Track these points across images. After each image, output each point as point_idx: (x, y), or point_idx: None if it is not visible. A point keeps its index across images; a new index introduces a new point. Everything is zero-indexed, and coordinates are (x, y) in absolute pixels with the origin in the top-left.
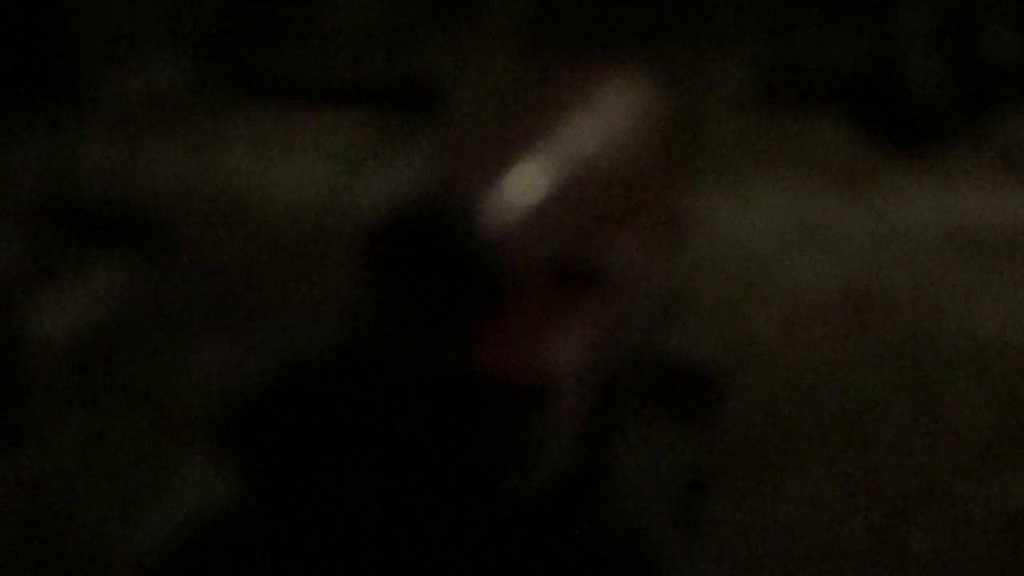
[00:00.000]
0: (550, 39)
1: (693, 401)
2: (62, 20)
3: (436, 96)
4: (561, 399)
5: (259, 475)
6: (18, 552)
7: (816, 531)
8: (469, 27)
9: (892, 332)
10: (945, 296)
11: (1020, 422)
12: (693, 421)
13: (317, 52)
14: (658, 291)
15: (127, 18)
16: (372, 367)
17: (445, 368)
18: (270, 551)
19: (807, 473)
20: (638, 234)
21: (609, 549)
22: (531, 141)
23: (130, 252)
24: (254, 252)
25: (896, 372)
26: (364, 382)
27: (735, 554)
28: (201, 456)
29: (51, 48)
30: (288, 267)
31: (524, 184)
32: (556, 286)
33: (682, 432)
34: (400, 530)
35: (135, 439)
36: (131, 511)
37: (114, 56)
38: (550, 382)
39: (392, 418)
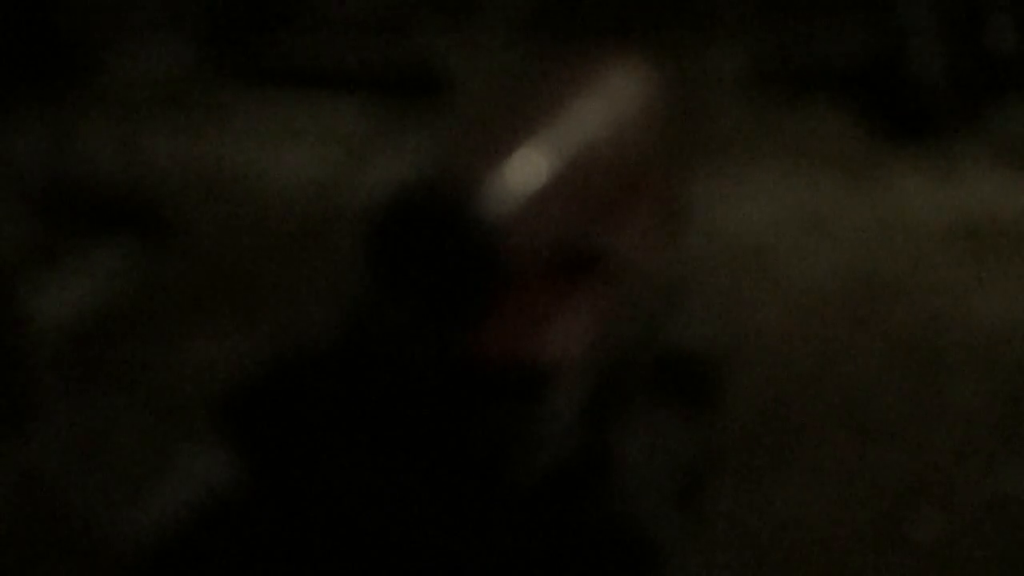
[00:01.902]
0: (551, 25)
1: (694, 389)
2: (64, 3)
3: (438, 82)
4: (561, 386)
5: (258, 461)
6: (18, 535)
7: (816, 519)
8: (471, 13)
9: (893, 321)
10: (946, 285)
11: (1021, 411)
12: (694, 409)
13: (319, 37)
14: (659, 278)
15: (129, 2)
16: (372, 352)
17: (445, 354)
18: (269, 536)
19: (807, 461)
20: (639, 221)
21: (609, 536)
22: (532, 127)
23: (131, 237)
24: (255, 237)
25: (897, 361)
26: (364, 368)
27: (735, 542)
28: (201, 442)
29: (53, 32)
30: (289, 252)
31: (525, 170)
32: (557, 272)
33: (683, 420)
34: (400, 516)
35: (135, 424)
36: (131, 496)
37: (116, 40)
38: (550, 368)
39: (392, 403)
